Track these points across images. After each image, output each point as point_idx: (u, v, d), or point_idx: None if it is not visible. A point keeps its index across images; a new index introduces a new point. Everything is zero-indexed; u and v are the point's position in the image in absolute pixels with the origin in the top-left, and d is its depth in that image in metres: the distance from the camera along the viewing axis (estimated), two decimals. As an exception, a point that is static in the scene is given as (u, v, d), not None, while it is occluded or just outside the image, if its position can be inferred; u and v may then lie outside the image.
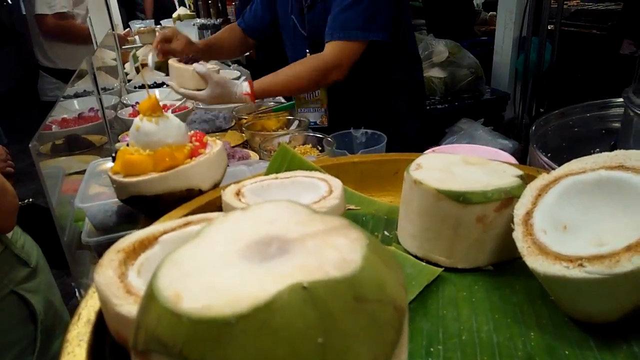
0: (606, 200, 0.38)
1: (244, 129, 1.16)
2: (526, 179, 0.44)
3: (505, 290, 0.41)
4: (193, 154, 0.53)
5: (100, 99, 1.19)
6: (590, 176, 0.39)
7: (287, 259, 0.21)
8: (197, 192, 0.51)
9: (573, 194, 0.40)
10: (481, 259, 0.44)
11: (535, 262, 0.36)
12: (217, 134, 1.28)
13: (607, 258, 0.33)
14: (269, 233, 0.23)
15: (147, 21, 3.54)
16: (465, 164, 0.48)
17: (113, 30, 2.05)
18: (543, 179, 0.42)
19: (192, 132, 0.58)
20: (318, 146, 1.09)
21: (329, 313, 0.19)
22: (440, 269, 0.43)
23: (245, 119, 1.26)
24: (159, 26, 3.22)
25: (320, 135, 1.09)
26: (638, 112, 0.55)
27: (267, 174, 0.53)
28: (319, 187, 0.48)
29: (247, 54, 2.40)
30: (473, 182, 0.43)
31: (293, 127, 1.22)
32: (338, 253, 0.21)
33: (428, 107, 1.97)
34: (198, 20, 2.49)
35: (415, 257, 0.46)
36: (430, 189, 0.43)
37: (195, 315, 0.18)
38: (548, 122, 0.71)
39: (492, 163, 0.48)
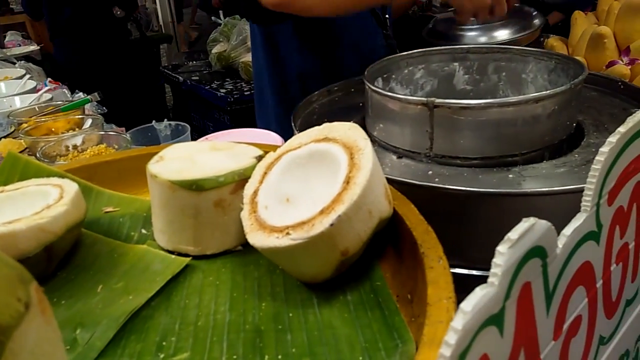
0: (318, 170, 0.42)
1: (21, 135, 1.01)
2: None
3: (250, 267, 0.43)
4: None
5: None
6: (304, 150, 0.43)
7: None
8: None
9: (293, 167, 0.43)
10: (228, 241, 0.45)
11: (255, 238, 0.38)
12: (-10, 143, 1.09)
13: (306, 223, 0.36)
14: None
15: None
16: (212, 151, 0.49)
17: None
18: (270, 157, 0.44)
19: None
20: (114, 145, 1.01)
21: None
22: (188, 259, 0.43)
23: (27, 122, 1.09)
24: None
25: (114, 133, 1.01)
26: (367, 85, 0.62)
27: (-8, 188, 0.46)
28: (50, 194, 0.44)
29: (41, 46, 2.10)
30: (210, 169, 0.44)
31: (86, 126, 1.11)
32: None
33: (247, 93, 1.99)
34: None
35: (168, 251, 0.45)
36: (164, 181, 0.42)
37: None
38: (313, 100, 0.76)
39: (237, 146, 0.50)
